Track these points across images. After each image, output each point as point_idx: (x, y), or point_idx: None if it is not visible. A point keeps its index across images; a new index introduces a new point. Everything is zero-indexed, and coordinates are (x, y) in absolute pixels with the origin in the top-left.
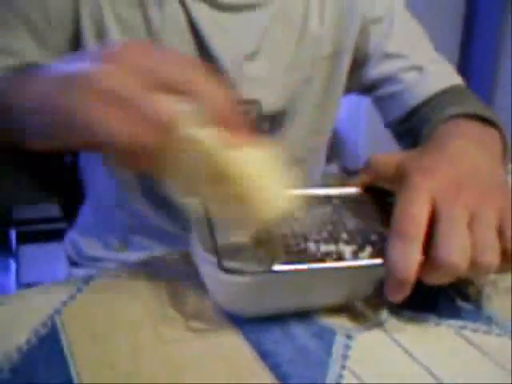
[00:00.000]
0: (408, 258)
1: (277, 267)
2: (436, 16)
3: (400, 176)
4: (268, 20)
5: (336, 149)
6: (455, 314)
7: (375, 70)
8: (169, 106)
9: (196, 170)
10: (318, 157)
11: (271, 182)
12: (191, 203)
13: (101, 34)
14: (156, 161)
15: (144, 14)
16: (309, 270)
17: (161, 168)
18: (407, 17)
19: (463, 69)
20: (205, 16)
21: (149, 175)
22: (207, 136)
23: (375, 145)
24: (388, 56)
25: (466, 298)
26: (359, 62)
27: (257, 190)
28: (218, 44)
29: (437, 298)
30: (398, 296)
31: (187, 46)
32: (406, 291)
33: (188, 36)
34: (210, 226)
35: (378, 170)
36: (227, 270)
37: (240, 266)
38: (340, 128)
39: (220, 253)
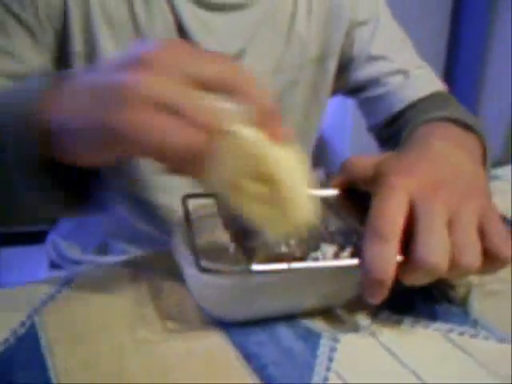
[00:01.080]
0: (384, 259)
1: (255, 267)
2: (422, 21)
3: (377, 177)
4: (255, 20)
5: (322, 154)
6: (442, 316)
7: (360, 73)
8: (217, 106)
9: (237, 168)
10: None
11: (304, 183)
12: (171, 204)
13: (88, 29)
14: (206, 162)
15: (130, 10)
16: (287, 269)
17: (206, 168)
18: (391, 21)
19: (448, 75)
20: (191, 15)
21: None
22: (252, 134)
23: (362, 150)
24: (372, 58)
25: (452, 300)
26: (344, 65)
27: (295, 191)
28: (203, 43)
29: (423, 300)
30: (376, 298)
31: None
32: (384, 293)
33: (174, 34)
34: (190, 226)
35: (356, 171)
36: (204, 270)
37: (219, 267)
38: (326, 133)
39: (198, 253)
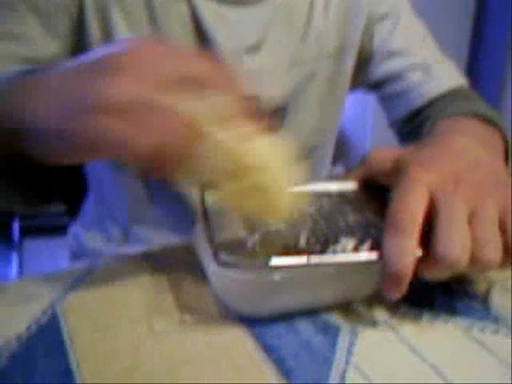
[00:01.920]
0: (404, 253)
1: (274, 261)
2: (445, 16)
3: (397, 170)
4: (271, 14)
5: (342, 149)
6: (463, 312)
7: (381, 68)
8: (188, 106)
9: (215, 166)
10: (321, 156)
11: (286, 173)
12: (196, 195)
13: (104, 17)
14: (181, 163)
15: (147, 1)
16: (306, 264)
17: (182, 168)
18: (412, 16)
19: (471, 70)
20: (206, 7)
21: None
22: (225, 133)
23: (382, 145)
24: (393, 54)
25: (473, 296)
26: (364, 60)
27: (274, 182)
28: (218, 35)
29: (444, 295)
30: (395, 292)
31: (188, 35)
32: (403, 287)
33: (189, 26)
34: (208, 220)
35: (376, 164)
36: (223, 264)
37: (237, 261)
38: (346, 128)
39: (218, 247)
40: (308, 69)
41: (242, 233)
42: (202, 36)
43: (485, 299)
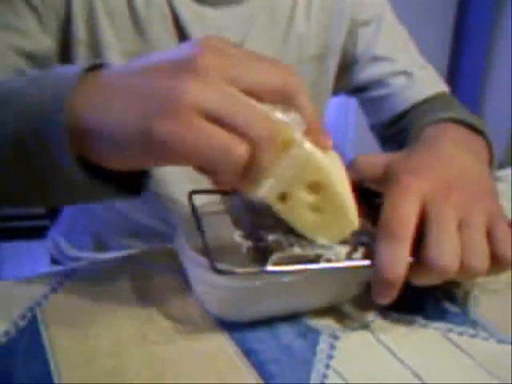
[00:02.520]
0: (397, 260)
1: (271, 268)
2: (426, 23)
3: (387, 177)
4: (252, 15)
5: None
6: (442, 316)
7: (364, 73)
8: (272, 117)
9: (291, 178)
10: None
11: (348, 189)
12: (179, 202)
13: (90, 18)
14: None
15: (129, 3)
16: (303, 270)
17: (256, 180)
18: (395, 22)
19: (452, 77)
20: (188, 9)
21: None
22: (307, 145)
23: (363, 149)
24: (376, 59)
25: (453, 300)
26: (348, 65)
27: (345, 197)
28: (198, 36)
29: (423, 299)
30: (386, 298)
31: (171, 37)
32: (394, 293)
33: (171, 27)
34: (200, 226)
35: (365, 170)
36: (219, 271)
37: (234, 268)
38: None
39: (211, 254)
40: None
41: (233, 238)
42: (183, 38)
43: (464, 303)
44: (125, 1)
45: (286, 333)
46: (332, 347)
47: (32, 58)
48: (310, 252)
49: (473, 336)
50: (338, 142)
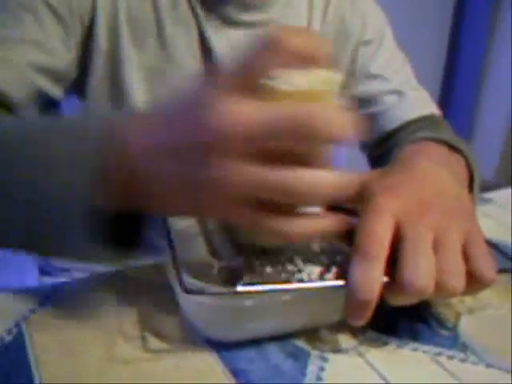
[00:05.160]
0: (370, 280)
1: (240, 288)
2: (420, 45)
3: (363, 195)
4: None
5: None
6: (432, 339)
7: (357, 90)
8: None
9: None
10: None
11: None
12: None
13: (113, 29)
14: None
15: (157, 18)
16: (273, 290)
17: None
18: (393, 43)
19: (444, 99)
20: (215, 30)
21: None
22: None
23: (356, 166)
24: (371, 77)
25: (442, 323)
26: (345, 82)
27: None
28: (226, 59)
29: (413, 322)
30: (359, 319)
31: (194, 55)
32: (368, 314)
33: (197, 47)
34: (172, 245)
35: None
36: (188, 290)
37: (202, 287)
38: None
39: (183, 273)
40: None
41: (207, 258)
42: (208, 58)
43: (453, 326)
44: (151, 15)
45: (275, 353)
46: (321, 369)
47: (51, 74)
48: (282, 273)
49: (462, 360)
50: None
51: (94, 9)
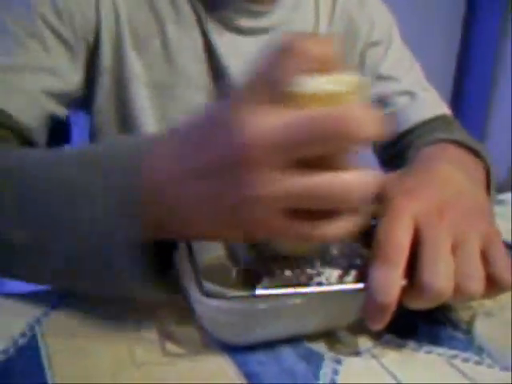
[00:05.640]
0: (390, 283)
1: (259, 292)
2: (431, 45)
3: (381, 198)
4: (278, 30)
5: None
6: (447, 342)
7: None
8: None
9: None
10: None
11: None
12: None
13: (117, 45)
14: None
15: (160, 30)
16: (292, 294)
17: None
18: (402, 44)
19: (455, 102)
20: (221, 37)
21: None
22: None
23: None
24: (381, 78)
25: (457, 325)
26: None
27: None
28: (233, 67)
29: (427, 324)
30: (378, 323)
31: (201, 65)
32: (387, 318)
33: (203, 56)
34: (191, 248)
35: None
36: (207, 294)
37: (221, 290)
38: None
39: (201, 276)
40: None
41: (225, 261)
42: (215, 67)
43: (468, 329)
44: (155, 28)
45: (288, 356)
46: (335, 372)
47: (61, 98)
48: (301, 276)
49: (478, 363)
50: None
51: (97, 28)
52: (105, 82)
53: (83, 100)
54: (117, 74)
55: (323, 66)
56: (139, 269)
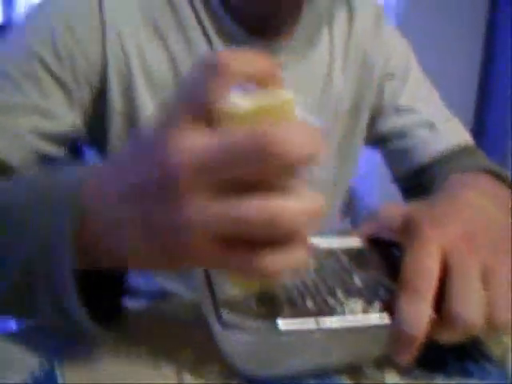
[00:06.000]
0: (418, 316)
1: (282, 325)
2: (452, 73)
3: (407, 226)
4: (292, 75)
5: (350, 204)
6: (478, 375)
7: (387, 124)
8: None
9: None
10: (332, 212)
11: None
12: None
13: (128, 88)
14: None
15: (174, 69)
16: (316, 329)
17: None
18: (420, 74)
19: (478, 127)
20: None
21: None
22: None
23: (389, 200)
24: (400, 110)
25: (489, 359)
26: (374, 115)
27: None
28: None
29: (445, 356)
30: (406, 356)
31: None
32: (415, 350)
33: None
34: (209, 278)
35: (385, 220)
36: (227, 326)
37: (241, 322)
38: (356, 185)
39: (220, 307)
40: (326, 126)
41: (244, 293)
42: None
43: (501, 362)
44: (168, 68)
45: None
46: None
47: (54, 139)
48: (323, 306)
49: None
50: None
51: (103, 71)
52: (117, 124)
53: (96, 140)
54: (129, 115)
55: (254, 81)
56: (74, 292)
